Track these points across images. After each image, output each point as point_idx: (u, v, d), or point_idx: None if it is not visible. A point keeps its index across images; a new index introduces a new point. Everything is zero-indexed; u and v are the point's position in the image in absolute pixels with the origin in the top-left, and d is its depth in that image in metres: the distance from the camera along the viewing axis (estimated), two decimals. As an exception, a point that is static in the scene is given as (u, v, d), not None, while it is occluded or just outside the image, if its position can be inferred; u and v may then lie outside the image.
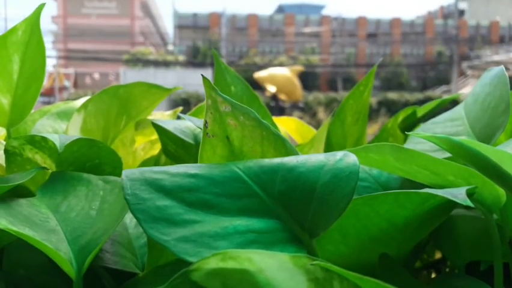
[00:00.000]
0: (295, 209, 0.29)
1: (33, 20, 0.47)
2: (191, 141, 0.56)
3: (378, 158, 0.39)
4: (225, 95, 0.34)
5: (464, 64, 25.32)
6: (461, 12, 34.99)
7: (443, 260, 0.57)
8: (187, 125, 0.58)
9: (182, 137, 0.56)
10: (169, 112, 0.77)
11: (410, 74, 28.78)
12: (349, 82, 26.27)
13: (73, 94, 17.60)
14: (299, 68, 17.09)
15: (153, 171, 0.31)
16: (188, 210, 0.28)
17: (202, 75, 0.34)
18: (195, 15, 30.98)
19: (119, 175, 0.55)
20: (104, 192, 0.39)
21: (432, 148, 0.44)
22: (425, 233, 0.41)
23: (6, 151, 0.48)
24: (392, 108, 16.46)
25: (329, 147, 0.63)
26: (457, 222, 0.44)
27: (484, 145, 0.26)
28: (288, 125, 0.89)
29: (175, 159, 0.61)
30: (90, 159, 0.51)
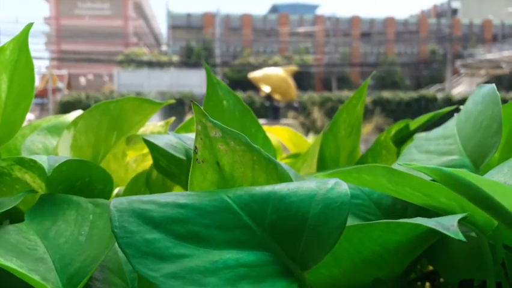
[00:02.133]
0: (286, 241, 0.28)
1: (22, 39, 0.47)
2: (182, 157, 0.56)
3: (371, 179, 0.38)
4: (215, 121, 0.33)
5: (458, 62, 25.44)
6: (454, 11, 35.14)
7: (436, 271, 0.57)
8: (179, 140, 0.57)
9: (173, 152, 0.55)
10: (161, 123, 0.76)
11: (404, 72, 28.89)
12: (343, 81, 26.34)
13: (67, 95, 17.52)
14: (294, 68, 17.10)
15: (142, 201, 0.30)
16: (177, 243, 0.27)
17: (192, 101, 0.33)
18: (188, 15, 30.95)
19: (110, 192, 0.54)
20: (94, 216, 0.38)
21: (425, 166, 0.44)
22: (417, 253, 0.41)
23: (-6, 171, 0.47)
24: (386, 107, 16.49)
25: (322, 161, 0.62)
26: (450, 240, 0.44)
27: (476, 176, 0.26)
28: (281, 134, 0.89)
29: (166, 175, 0.60)
30: (80, 178, 0.50)
